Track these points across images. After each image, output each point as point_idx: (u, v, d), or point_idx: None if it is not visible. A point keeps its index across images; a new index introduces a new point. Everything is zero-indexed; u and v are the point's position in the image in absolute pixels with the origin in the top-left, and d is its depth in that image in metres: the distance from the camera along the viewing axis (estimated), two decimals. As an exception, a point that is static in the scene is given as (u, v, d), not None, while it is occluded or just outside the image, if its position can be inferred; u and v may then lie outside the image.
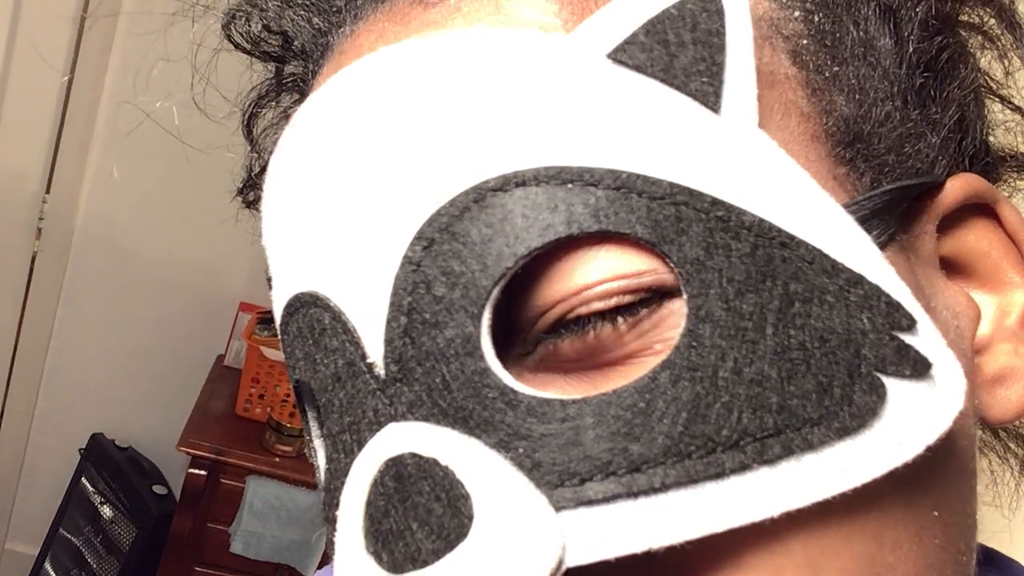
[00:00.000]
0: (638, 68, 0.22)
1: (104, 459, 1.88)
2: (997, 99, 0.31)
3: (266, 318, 1.80)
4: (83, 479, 1.88)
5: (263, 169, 0.35)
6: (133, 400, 2.02)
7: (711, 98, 0.22)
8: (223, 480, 1.67)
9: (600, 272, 0.21)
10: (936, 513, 0.23)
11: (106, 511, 1.82)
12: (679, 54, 0.22)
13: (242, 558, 1.65)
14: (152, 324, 2.00)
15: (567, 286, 0.22)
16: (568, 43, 0.22)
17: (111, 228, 1.95)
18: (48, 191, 1.92)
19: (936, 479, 0.24)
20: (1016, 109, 0.32)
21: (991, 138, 0.31)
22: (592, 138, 0.22)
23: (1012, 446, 0.36)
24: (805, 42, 0.24)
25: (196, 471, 1.65)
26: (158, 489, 1.83)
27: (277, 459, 1.67)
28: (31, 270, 1.95)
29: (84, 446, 1.94)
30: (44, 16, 1.75)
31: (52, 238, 1.94)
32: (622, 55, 0.22)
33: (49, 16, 1.75)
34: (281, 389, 1.74)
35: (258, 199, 0.28)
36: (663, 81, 0.22)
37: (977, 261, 0.27)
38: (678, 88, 0.22)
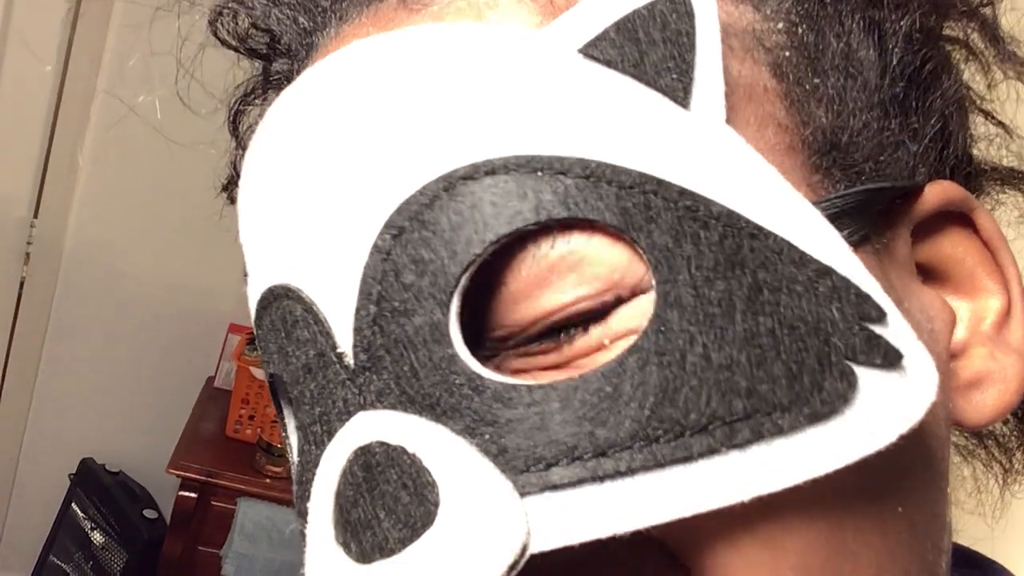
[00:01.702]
0: (609, 63, 0.22)
1: (94, 484, 1.86)
2: (980, 113, 0.32)
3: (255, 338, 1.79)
4: (73, 504, 1.86)
5: None
6: (123, 424, 2.00)
7: (680, 94, 0.22)
8: (214, 502, 1.65)
9: (570, 293, 0.22)
10: (901, 508, 0.23)
11: (97, 537, 1.80)
12: (649, 51, 0.22)
13: (234, 581, 1.63)
14: (141, 347, 1.99)
15: (537, 308, 0.22)
16: (540, 37, 0.23)
17: (100, 252, 1.94)
18: (36, 216, 1.91)
19: (903, 473, 0.24)
20: (999, 123, 0.32)
21: (974, 151, 0.31)
22: (562, 129, 0.22)
23: (996, 454, 0.36)
24: (787, 54, 0.24)
25: (186, 494, 1.63)
26: (148, 513, 1.81)
27: (268, 480, 1.66)
28: (19, 296, 1.94)
29: (74, 471, 1.92)
30: (31, 30, 1.76)
31: (40, 263, 1.93)
32: (593, 50, 0.22)
33: (36, 33, 1.75)
34: (271, 410, 1.73)
35: None
36: (633, 76, 0.22)
37: (953, 267, 0.27)
38: (648, 84, 0.22)
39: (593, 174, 0.21)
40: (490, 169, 0.21)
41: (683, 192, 0.21)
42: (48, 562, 1.87)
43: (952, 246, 0.27)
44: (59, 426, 1.99)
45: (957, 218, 0.27)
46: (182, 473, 1.62)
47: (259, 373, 1.71)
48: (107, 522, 1.80)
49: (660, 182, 0.21)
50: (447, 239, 0.21)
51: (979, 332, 0.26)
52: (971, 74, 0.31)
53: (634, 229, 0.21)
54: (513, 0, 0.24)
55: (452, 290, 0.21)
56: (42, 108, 1.84)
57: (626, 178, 0.21)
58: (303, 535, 0.24)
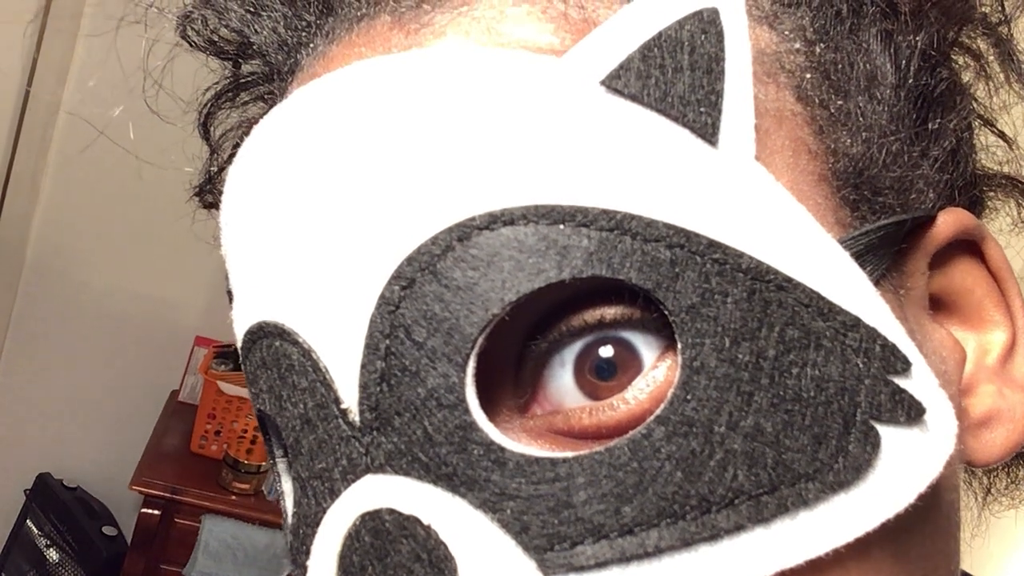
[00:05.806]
0: (633, 97, 0.21)
1: (51, 500, 1.81)
2: (981, 122, 0.31)
3: (223, 352, 1.76)
4: (28, 521, 1.81)
5: (221, 170, 0.33)
6: (82, 438, 1.95)
7: (709, 130, 0.21)
8: (177, 520, 1.62)
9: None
10: (918, 566, 0.23)
11: (52, 554, 1.75)
12: (676, 81, 0.21)
13: (196, 601, 1.60)
14: (104, 358, 1.94)
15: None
16: (560, 68, 0.21)
17: (62, 260, 1.90)
18: (-3, 223, 1.87)
19: (922, 531, 0.23)
20: (1000, 134, 0.32)
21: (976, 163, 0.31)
22: (584, 174, 0.21)
23: (979, 472, 0.36)
24: (808, 76, 0.24)
25: (149, 511, 1.60)
26: (108, 530, 1.77)
27: (234, 497, 1.62)
28: (-23, 303, 1.89)
29: (29, 487, 1.87)
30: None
31: (1, 271, 1.88)
32: (616, 82, 0.21)
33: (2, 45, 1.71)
34: (238, 425, 1.70)
35: (216, 202, 0.27)
36: (659, 111, 0.21)
37: (960, 298, 0.26)
38: (675, 119, 0.21)
39: (618, 226, 0.20)
40: (509, 219, 0.20)
41: (711, 244, 0.20)
42: (1, 580, 1.82)
43: (962, 276, 0.26)
44: (15, 439, 1.93)
45: (966, 246, 0.26)
46: (145, 490, 1.58)
47: (226, 387, 1.68)
48: (64, 539, 1.75)
49: (688, 234, 0.20)
50: (462, 296, 0.20)
51: (985, 366, 0.26)
52: (985, 90, 0.30)
53: (660, 289, 0.20)
54: (523, 14, 0.22)
55: (468, 352, 0.20)
56: (6, 115, 1.79)
57: (652, 231, 0.20)
58: None
